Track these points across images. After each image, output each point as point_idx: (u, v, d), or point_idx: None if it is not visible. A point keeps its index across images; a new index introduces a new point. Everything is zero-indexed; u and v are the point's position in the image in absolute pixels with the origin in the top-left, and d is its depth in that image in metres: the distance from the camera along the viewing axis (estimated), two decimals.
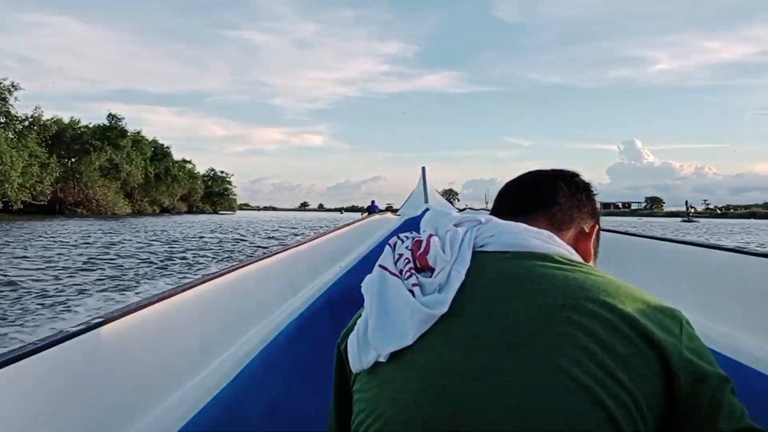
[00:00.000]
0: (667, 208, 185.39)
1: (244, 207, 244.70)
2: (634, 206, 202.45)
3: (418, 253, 0.85)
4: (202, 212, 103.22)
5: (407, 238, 0.90)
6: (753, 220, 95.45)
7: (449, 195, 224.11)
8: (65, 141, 66.69)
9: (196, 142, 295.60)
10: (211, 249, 17.99)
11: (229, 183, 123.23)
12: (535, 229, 0.88)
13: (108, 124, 73.58)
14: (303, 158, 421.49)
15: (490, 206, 1.09)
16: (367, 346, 0.82)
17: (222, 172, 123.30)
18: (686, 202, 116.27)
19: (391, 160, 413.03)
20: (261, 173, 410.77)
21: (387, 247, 0.90)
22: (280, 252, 2.26)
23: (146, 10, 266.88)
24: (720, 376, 0.75)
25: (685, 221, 78.39)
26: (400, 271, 0.84)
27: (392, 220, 4.75)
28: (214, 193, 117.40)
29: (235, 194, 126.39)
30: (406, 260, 0.85)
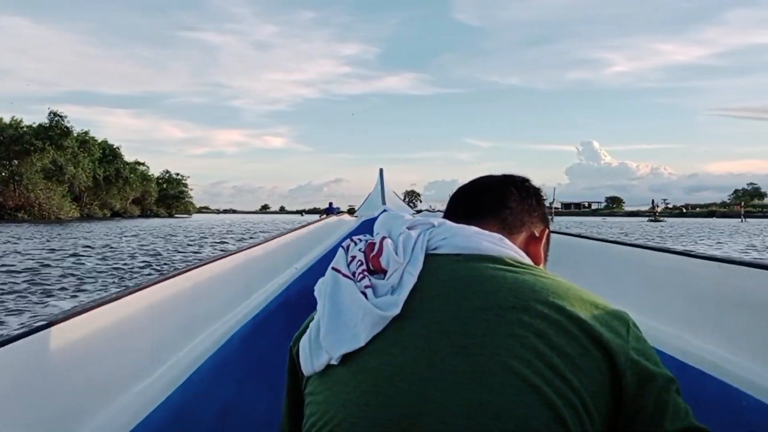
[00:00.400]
0: (626, 208, 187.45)
1: (204, 210, 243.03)
2: (594, 206, 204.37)
3: (371, 255, 0.86)
4: (157, 216, 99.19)
5: (360, 240, 0.91)
6: (716, 219, 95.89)
7: (411, 196, 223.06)
8: (5, 142, 62.70)
9: (155, 144, 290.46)
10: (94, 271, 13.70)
11: (185, 185, 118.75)
12: (486, 232, 0.90)
13: (49, 124, 69.53)
14: (264, 160, 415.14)
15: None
16: (318, 349, 0.82)
17: (177, 174, 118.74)
18: (652, 201, 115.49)
19: (352, 161, 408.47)
20: (221, 176, 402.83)
21: (340, 249, 0.91)
22: (235, 253, 2.20)
23: (102, 11, 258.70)
24: (665, 377, 0.77)
25: (651, 221, 77.69)
26: (353, 273, 0.85)
27: (349, 222, 5.09)
28: (169, 196, 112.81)
29: (191, 197, 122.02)
30: (359, 262, 0.86)
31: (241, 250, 2.31)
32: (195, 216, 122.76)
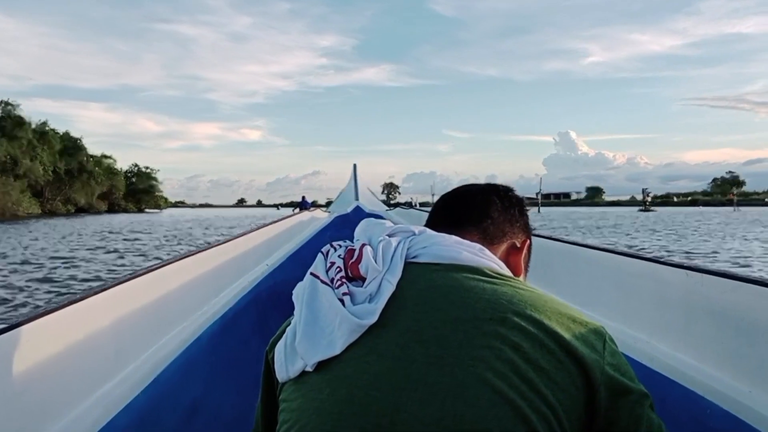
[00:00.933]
0: (606, 198, 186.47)
1: (180, 204, 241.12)
2: (573, 196, 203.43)
3: (351, 262, 0.85)
4: (125, 211, 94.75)
5: (340, 246, 0.90)
6: (703, 208, 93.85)
7: (390, 189, 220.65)
8: None
9: (129, 138, 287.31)
10: None
11: (155, 179, 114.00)
12: (467, 242, 0.90)
13: (1, 114, 64.97)
14: (241, 154, 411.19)
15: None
16: (294, 355, 0.82)
17: (147, 167, 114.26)
18: (643, 191, 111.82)
19: (330, 154, 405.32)
20: (197, 170, 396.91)
21: (319, 254, 0.90)
22: (204, 250, 2.16)
23: (74, 3, 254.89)
24: (640, 392, 0.78)
25: (642, 210, 75.19)
26: (332, 280, 0.84)
27: (322, 217, 5.26)
28: (138, 191, 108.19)
29: (161, 191, 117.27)
30: (338, 269, 0.85)
31: (212, 247, 2.25)
32: (169, 210, 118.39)
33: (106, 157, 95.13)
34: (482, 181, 1.28)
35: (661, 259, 1.57)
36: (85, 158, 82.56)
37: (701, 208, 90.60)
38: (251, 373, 0.92)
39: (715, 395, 1.20)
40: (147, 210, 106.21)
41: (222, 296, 2.21)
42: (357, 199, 5.97)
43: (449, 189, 1.08)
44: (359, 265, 0.84)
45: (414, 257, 0.86)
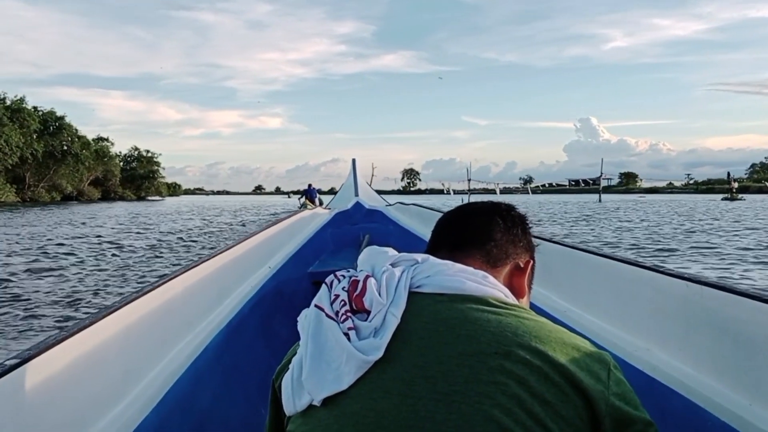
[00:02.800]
0: (643, 185, 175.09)
1: (198, 192, 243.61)
2: (603, 183, 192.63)
3: (355, 294, 0.86)
4: (122, 199, 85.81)
5: (344, 277, 0.90)
6: None
7: (410, 175, 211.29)
8: None
9: (151, 126, 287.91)
10: None
11: (157, 164, 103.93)
12: (470, 269, 0.90)
13: None
14: (261, 141, 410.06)
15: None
16: (301, 389, 0.82)
17: (147, 151, 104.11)
18: (728, 175, 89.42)
19: (349, 141, 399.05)
20: (218, 157, 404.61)
21: (323, 286, 0.91)
22: (207, 260, 2.17)
23: None
24: (644, 421, 0.79)
25: (727, 199, 62.61)
26: (336, 313, 0.85)
27: (322, 215, 4.95)
28: (137, 176, 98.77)
29: (162, 176, 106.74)
30: (342, 302, 0.86)
31: (214, 255, 2.27)
32: (181, 198, 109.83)
33: (102, 139, 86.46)
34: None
35: (661, 268, 1.57)
36: (69, 139, 73.49)
37: None
38: (257, 378, 0.91)
39: (715, 407, 1.21)
40: (149, 198, 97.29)
41: (226, 304, 2.22)
42: (357, 194, 5.70)
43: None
44: (363, 298, 0.84)
45: (418, 287, 0.86)
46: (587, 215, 30.78)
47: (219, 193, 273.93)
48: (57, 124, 72.70)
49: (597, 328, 1.76)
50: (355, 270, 0.92)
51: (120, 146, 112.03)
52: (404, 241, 4.12)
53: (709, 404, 1.22)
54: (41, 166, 68.41)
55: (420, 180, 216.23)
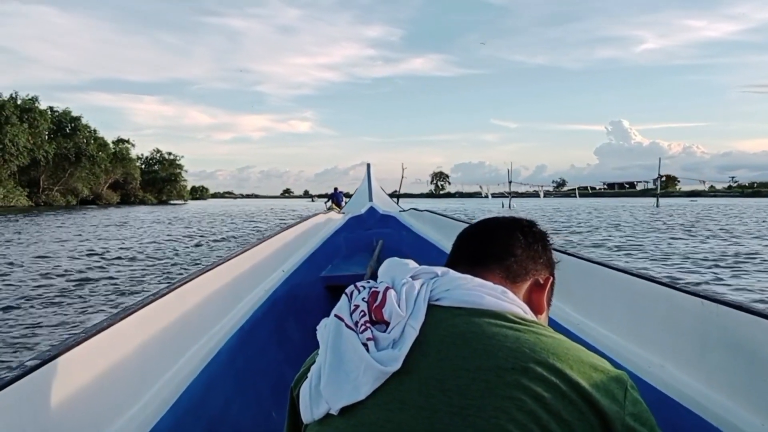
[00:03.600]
0: (683, 188, 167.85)
1: (227, 195, 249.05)
2: (640, 186, 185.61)
3: (374, 305, 0.86)
4: (143, 203, 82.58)
5: (363, 288, 0.91)
6: None
7: (439, 178, 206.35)
8: None
9: (182, 131, 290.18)
10: None
11: (180, 167, 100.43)
12: (489, 284, 0.90)
13: None
14: (290, 145, 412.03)
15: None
16: (319, 398, 0.83)
17: (170, 153, 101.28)
18: None
19: (378, 145, 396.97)
20: (248, 161, 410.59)
21: (343, 296, 0.92)
22: (222, 263, 2.18)
23: None
24: None
25: None
26: (356, 323, 0.86)
27: (336, 219, 5.01)
28: (159, 180, 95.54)
29: (185, 179, 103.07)
30: (362, 313, 0.86)
31: (229, 258, 2.28)
32: (208, 201, 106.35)
33: (123, 141, 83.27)
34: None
35: (676, 285, 1.56)
36: (84, 140, 69.90)
37: None
38: (269, 382, 0.92)
39: (728, 426, 1.20)
40: (171, 201, 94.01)
41: (240, 307, 2.22)
42: (371, 199, 5.89)
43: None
44: (383, 310, 0.85)
45: (437, 300, 0.87)
46: (681, 224, 25.50)
47: (248, 196, 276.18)
48: (72, 125, 69.71)
49: (611, 342, 1.73)
50: (370, 276, 0.92)
51: (150, 149, 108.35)
52: (417, 247, 4.09)
53: (721, 423, 1.22)
54: (57, 169, 65.31)
55: (450, 183, 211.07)
